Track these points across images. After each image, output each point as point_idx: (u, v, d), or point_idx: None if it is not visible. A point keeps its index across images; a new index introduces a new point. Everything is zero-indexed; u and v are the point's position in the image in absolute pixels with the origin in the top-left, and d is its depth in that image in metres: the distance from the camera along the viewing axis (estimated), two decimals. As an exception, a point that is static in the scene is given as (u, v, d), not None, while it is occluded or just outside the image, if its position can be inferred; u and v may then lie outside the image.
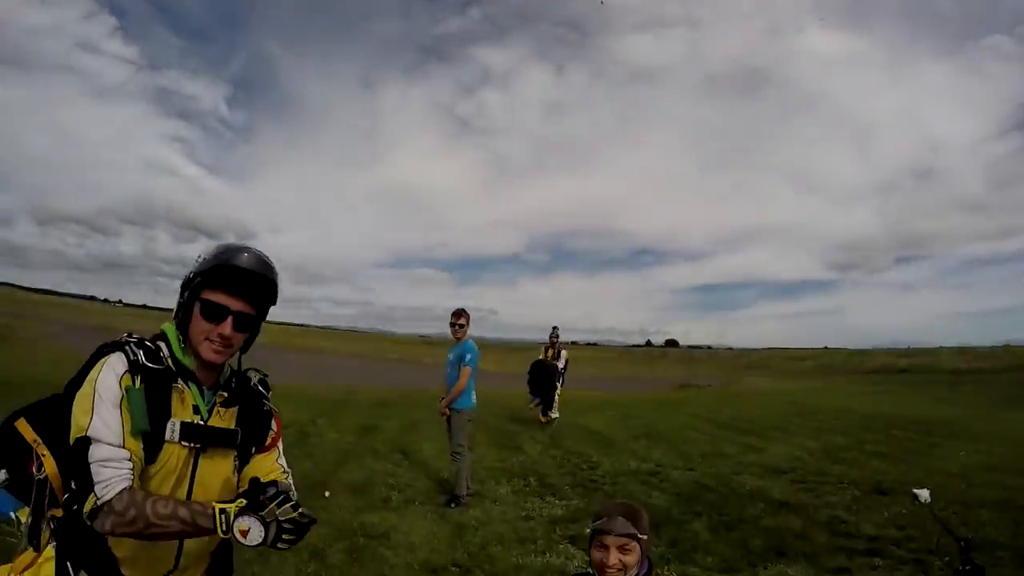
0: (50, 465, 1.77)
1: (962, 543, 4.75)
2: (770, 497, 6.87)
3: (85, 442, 1.65)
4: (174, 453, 1.78)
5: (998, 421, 13.53)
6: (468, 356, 6.74)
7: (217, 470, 1.91)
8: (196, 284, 1.80)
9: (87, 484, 1.63)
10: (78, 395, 1.72)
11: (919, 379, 30.96)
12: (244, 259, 1.80)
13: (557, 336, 13.94)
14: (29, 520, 1.82)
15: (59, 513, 1.78)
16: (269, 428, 2.06)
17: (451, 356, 6.96)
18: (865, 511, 6.24)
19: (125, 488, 1.64)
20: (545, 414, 13.12)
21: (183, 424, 1.78)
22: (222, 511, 1.62)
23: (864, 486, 7.30)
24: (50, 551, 1.81)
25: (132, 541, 1.75)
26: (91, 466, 1.63)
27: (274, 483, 1.74)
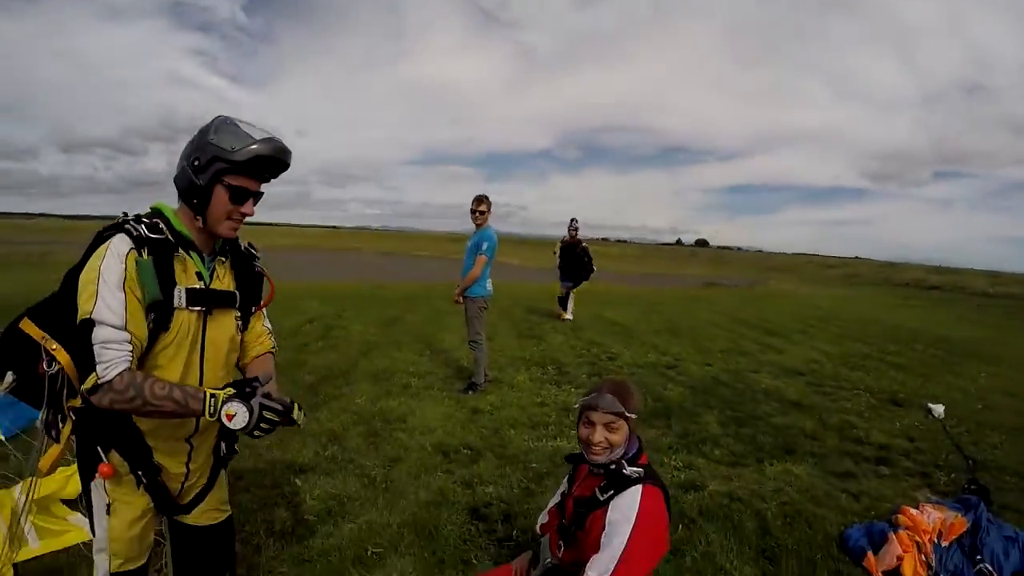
0: (64, 356, 1.81)
1: (970, 462, 4.72)
2: (784, 397, 6.87)
3: (89, 324, 1.70)
4: (184, 319, 1.87)
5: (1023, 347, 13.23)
6: (485, 244, 6.58)
7: (224, 331, 2.02)
8: (219, 167, 1.80)
9: (90, 363, 1.70)
10: (82, 279, 1.75)
11: (948, 297, 30.38)
12: (273, 149, 1.83)
13: (576, 228, 12.64)
14: (47, 416, 1.90)
15: (77, 403, 1.85)
16: (262, 289, 2.17)
17: (469, 244, 6.84)
18: (877, 419, 6.19)
19: (125, 369, 1.71)
20: (564, 307, 12.62)
21: (188, 290, 1.86)
22: (211, 396, 1.75)
23: (880, 395, 7.24)
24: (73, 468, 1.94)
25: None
26: (94, 347, 1.69)
27: (256, 379, 1.88)
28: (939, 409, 6.40)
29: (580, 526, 2.33)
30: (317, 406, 5.77)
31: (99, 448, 1.88)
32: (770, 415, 6.12)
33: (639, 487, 2.22)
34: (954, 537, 3.25)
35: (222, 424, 1.75)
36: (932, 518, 3.36)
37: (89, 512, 2.00)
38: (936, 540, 3.23)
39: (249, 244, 2.15)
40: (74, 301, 1.77)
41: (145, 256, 1.76)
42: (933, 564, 3.13)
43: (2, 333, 1.91)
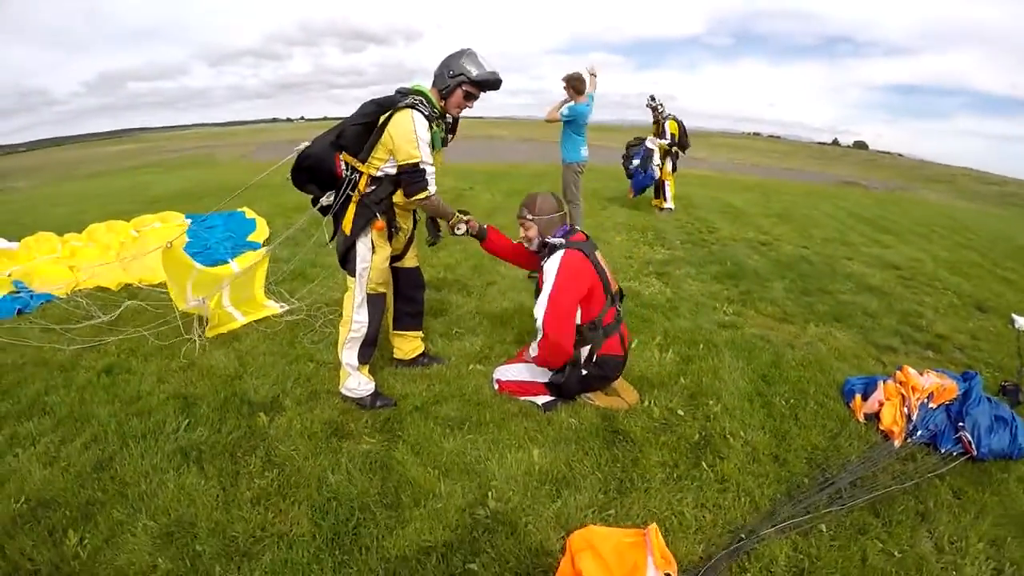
0: (365, 169, 3.09)
1: (1022, 369, 4.39)
2: (864, 282, 6.58)
3: (419, 165, 3.02)
4: (438, 156, 3.18)
5: None
6: (566, 110, 6.79)
7: (440, 160, 3.28)
8: (462, 79, 3.07)
9: (423, 186, 3.07)
10: (400, 135, 2.96)
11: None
12: (495, 78, 3.14)
13: (658, 107, 10.12)
14: (338, 202, 3.16)
15: (363, 189, 3.13)
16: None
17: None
18: (950, 317, 5.69)
19: (436, 191, 3.15)
20: (657, 196, 10.53)
21: (441, 138, 3.18)
22: (457, 215, 3.41)
23: (968, 299, 6.53)
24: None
25: (405, 200, 3.22)
26: (428, 177, 3.07)
27: (466, 211, 3.49)
28: (1022, 321, 5.90)
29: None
30: (439, 248, 6.33)
31: (376, 214, 3.14)
32: (840, 292, 6.01)
33: (562, 251, 3.17)
34: (943, 401, 3.32)
35: (451, 230, 3.43)
36: (928, 381, 3.43)
37: (353, 259, 3.22)
38: (925, 400, 3.31)
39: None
40: (372, 141, 3.03)
41: (434, 128, 3.06)
42: (913, 417, 3.23)
43: (317, 144, 3.09)
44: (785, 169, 32.42)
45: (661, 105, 10.19)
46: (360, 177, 3.11)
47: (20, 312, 5.15)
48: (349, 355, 3.34)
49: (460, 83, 3.08)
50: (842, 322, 5.02)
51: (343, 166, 3.10)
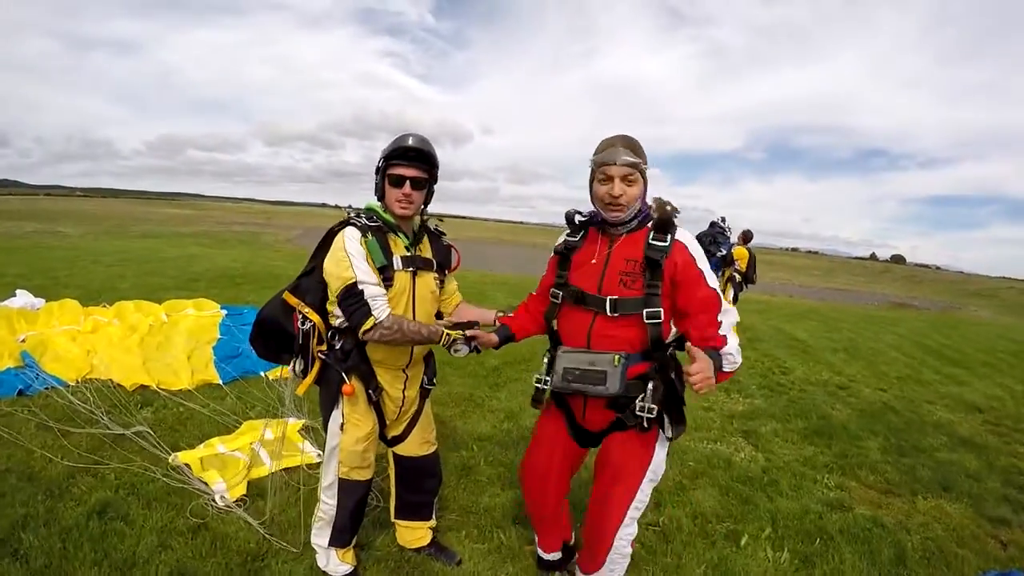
0: (315, 317, 2.38)
1: None
2: (955, 432, 6.06)
3: (355, 286, 2.21)
4: (401, 278, 2.37)
5: None
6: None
7: (427, 286, 2.51)
8: (383, 166, 2.34)
9: (364, 312, 2.21)
10: (331, 260, 2.28)
11: None
12: (409, 140, 2.31)
13: (726, 230, 8.97)
14: (300, 361, 2.46)
15: (323, 348, 2.43)
16: (451, 256, 2.65)
17: None
18: None
19: (390, 312, 2.26)
20: None
21: (401, 257, 2.38)
22: (448, 334, 2.35)
23: None
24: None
25: (384, 348, 2.41)
26: (368, 300, 2.22)
27: (475, 323, 2.51)
28: None
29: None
30: (499, 387, 5.95)
31: (343, 374, 2.37)
32: (936, 449, 5.48)
33: (683, 229, 2.18)
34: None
35: (448, 350, 2.38)
36: (1075, 581, 3.02)
37: (326, 431, 2.52)
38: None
39: (436, 227, 2.64)
40: (320, 280, 2.35)
41: (370, 238, 2.27)
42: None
43: (269, 304, 2.52)
44: (833, 289, 31.52)
45: (729, 230, 9.10)
46: (313, 327, 2.38)
47: (22, 393, 4.43)
48: (318, 535, 2.61)
49: (383, 171, 2.36)
50: (949, 491, 4.49)
51: (299, 320, 2.41)
